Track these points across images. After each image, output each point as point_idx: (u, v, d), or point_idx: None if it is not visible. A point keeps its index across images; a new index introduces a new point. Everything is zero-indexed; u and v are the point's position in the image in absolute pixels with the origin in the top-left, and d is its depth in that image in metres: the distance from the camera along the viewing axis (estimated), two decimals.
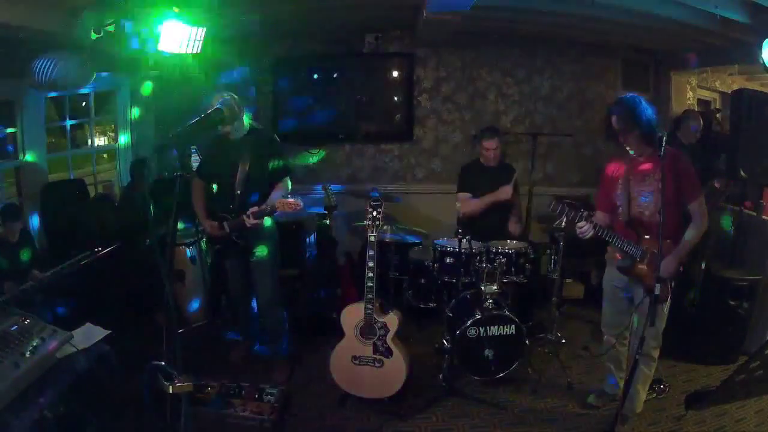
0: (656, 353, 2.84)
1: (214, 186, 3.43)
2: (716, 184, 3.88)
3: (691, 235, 2.69)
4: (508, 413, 3.11)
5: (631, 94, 2.75)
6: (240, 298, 3.69)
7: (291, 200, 3.09)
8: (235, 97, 3.16)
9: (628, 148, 2.73)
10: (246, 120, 3.34)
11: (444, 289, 3.92)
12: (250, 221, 3.17)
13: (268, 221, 3.37)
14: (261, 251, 3.42)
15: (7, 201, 3.98)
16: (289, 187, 3.41)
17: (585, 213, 2.65)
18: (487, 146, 4.05)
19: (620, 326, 2.93)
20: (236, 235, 3.32)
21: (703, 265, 3.62)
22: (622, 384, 2.96)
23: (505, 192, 3.96)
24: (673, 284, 2.69)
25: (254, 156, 3.30)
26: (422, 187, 5.42)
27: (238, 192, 3.29)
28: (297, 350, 3.79)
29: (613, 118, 2.70)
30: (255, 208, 3.17)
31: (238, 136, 3.31)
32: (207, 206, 3.46)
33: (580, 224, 2.67)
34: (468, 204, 3.99)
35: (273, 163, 3.35)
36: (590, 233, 2.67)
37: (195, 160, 3.98)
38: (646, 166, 2.72)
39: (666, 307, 2.73)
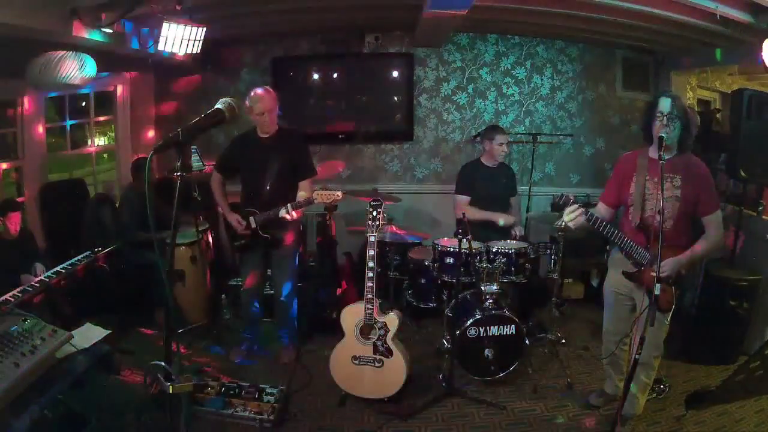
0: (657, 362, 2.81)
1: (243, 182, 3.48)
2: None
3: (702, 246, 2.59)
4: (508, 413, 3.11)
5: None
6: (254, 293, 3.70)
7: (329, 192, 3.17)
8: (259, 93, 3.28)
9: (661, 145, 2.43)
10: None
11: (444, 289, 3.92)
12: (291, 215, 3.24)
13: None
14: (284, 247, 3.51)
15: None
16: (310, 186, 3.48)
17: (581, 203, 2.52)
18: (502, 141, 4.05)
19: (621, 333, 2.91)
20: (262, 230, 3.38)
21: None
22: (621, 385, 2.95)
23: (507, 219, 4.02)
24: (677, 293, 2.64)
25: (283, 155, 3.38)
26: (422, 187, 5.43)
27: (267, 189, 3.36)
28: (302, 338, 3.87)
29: (667, 101, 2.50)
30: (289, 208, 3.24)
31: (269, 134, 3.39)
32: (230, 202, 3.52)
33: (570, 208, 2.49)
34: (467, 210, 4.00)
35: (300, 162, 3.45)
36: (581, 220, 2.50)
37: (195, 160, 3.99)
38: (667, 169, 2.53)
39: (668, 317, 2.69)
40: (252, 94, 3.31)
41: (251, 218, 3.41)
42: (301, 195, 3.33)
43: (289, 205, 3.24)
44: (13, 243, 3.43)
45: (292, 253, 3.61)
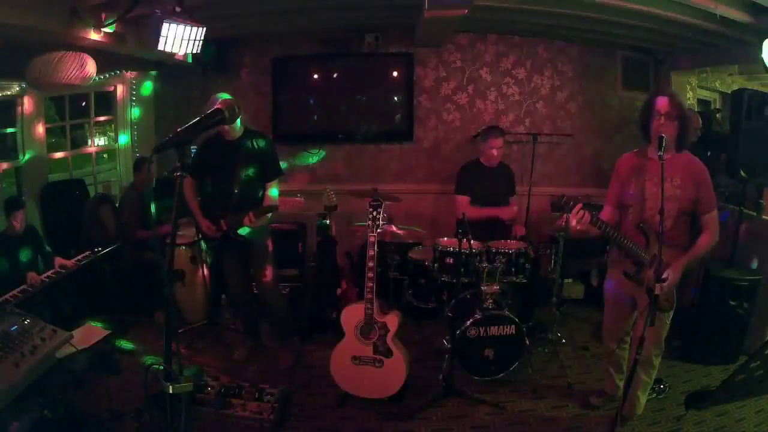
0: (657, 361, 2.81)
1: (209, 185, 3.44)
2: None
3: (701, 245, 2.59)
4: (508, 413, 3.11)
5: None
6: (241, 295, 3.70)
7: (291, 198, 3.14)
8: (233, 98, 3.19)
9: (661, 145, 2.41)
10: (239, 121, 3.35)
11: (444, 289, 3.92)
12: (250, 222, 3.19)
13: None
14: (256, 250, 3.47)
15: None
16: (276, 194, 3.45)
17: (587, 209, 2.52)
18: (494, 144, 4.05)
19: (622, 333, 2.90)
20: (233, 234, 3.34)
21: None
22: (622, 385, 2.95)
23: (508, 213, 4.01)
24: (675, 295, 2.64)
25: (250, 157, 3.34)
26: (422, 187, 5.42)
27: (236, 191, 3.32)
28: (299, 341, 3.84)
29: (664, 99, 2.50)
30: (251, 216, 3.19)
31: (235, 136, 3.34)
32: (202, 205, 3.46)
33: (576, 209, 2.45)
34: (468, 210, 4.00)
35: (267, 165, 3.40)
36: (585, 222, 2.46)
37: None
38: (666, 168, 2.49)
39: (669, 316, 2.69)
40: (212, 99, 3.13)
41: (221, 221, 3.33)
42: (270, 199, 3.32)
43: (251, 213, 3.18)
44: (19, 239, 3.45)
45: (268, 253, 3.55)
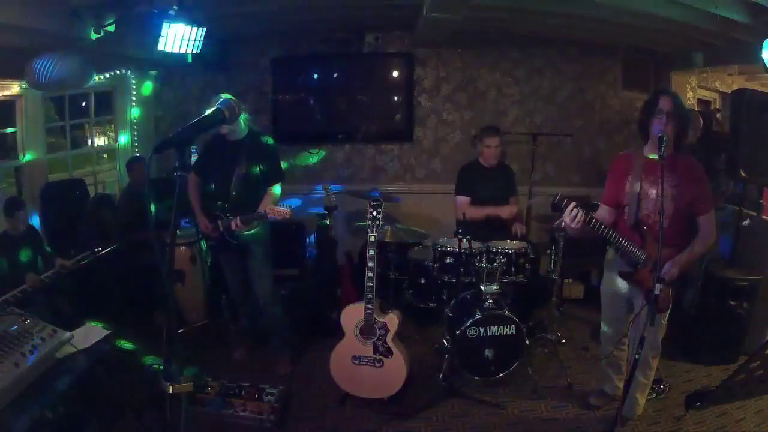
0: (655, 362, 2.81)
1: (211, 184, 3.44)
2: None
3: (697, 246, 2.60)
4: (508, 413, 3.11)
5: None
6: (239, 295, 3.70)
7: (281, 209, 3.11)
8: (234, 99, 3.18)
9: (662, 145, 2.41)
10: (243, 122, 3.34)
11: (444, 289, 3.92)
12: (236, 227, 3.20)
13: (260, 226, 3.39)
14: (253, 254, 3.45)
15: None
16: (279, 193, 3.44)
17: (581, 208, 2.50)
18: (489, 144, 4.07)
19: (619, 334, 2.90)
20: (229, 235, 3.33)
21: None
22: (621, 386, 2.95)
23: (508, 211, 4.03)
24: (674, 293, 2.64)
25: (251, 159, 3.33)
26: (422, 187, 5.42)
27: (234, 193, 3.31)
28: (297, 346, 3.82)
29: (667, 98, 2.52)
30: (238, 220, 3.20)
31: (237, 137, 3.33)
32: (203, 204, 3.46)
33: (570, 208, 2.43)
34: (468, 210, 4.00)
35: (269, 167, 3.39)
36: (580, 221, 2.44)
37: (195, 160, 3.99)
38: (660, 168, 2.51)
39: (665, 317, 2.69)
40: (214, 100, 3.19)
41: (218, 222, 3.34)
42: (261, 207, 3.28)
43: (238, 217, 3.18)
44: (19, 239, 3.44)
45: (265, 262, 3.52)
